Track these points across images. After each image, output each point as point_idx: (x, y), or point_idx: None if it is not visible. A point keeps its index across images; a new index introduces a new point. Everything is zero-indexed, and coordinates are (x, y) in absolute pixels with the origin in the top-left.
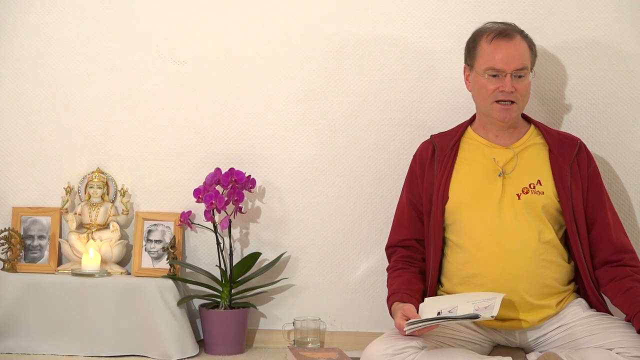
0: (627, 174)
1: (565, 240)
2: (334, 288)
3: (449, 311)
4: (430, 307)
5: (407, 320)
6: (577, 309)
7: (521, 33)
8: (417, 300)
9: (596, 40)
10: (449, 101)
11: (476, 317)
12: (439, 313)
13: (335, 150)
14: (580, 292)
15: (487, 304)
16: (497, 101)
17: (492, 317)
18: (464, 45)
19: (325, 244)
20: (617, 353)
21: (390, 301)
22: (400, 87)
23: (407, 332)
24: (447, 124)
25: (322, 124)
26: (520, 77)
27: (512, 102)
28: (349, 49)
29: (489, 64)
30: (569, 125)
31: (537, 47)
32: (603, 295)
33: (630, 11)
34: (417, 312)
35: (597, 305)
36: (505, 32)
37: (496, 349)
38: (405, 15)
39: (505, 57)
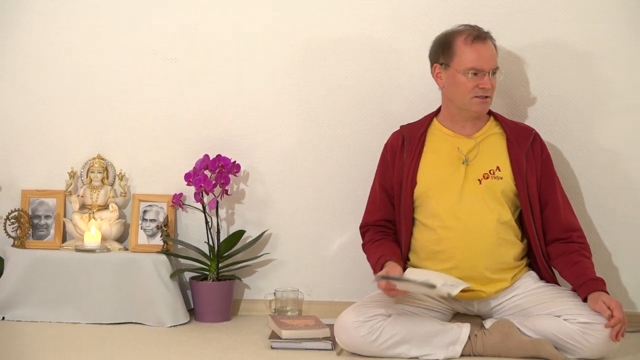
0: (576, 161)
1: (520, 220)
2: (311, 262)
3: (416, 279)
4: (409, 275)
5: (388, 273)
6: (529, 281)
7: (489, 35)
8: (402, 262)
9: (554, 40)
10: (415, 94)
11: (434, 286)
12: (409, 279)
13: (313, 139)
14: (532, 266)
15: (451, 284)
16: (476, 96)
17: (448, 294)
18: (428, 43)
19: (303, 223)
20: (564, 319)
21: (379, 263)
22: (371, 82)
23: (380, 283)
24: (414, 115)
25: (301, 115)
26: (494, 74)
27: (487, 96)
28: (326, 48)
29: (471, 64)
30: (526, 118)
31: (499, 46)
32: (553, 268)
33: (587, 13)
34: (401, 272)
35: (547, 277)
36: (481, 35)
37: (456, 316)
38: (375, 16)
39: (485, 58)
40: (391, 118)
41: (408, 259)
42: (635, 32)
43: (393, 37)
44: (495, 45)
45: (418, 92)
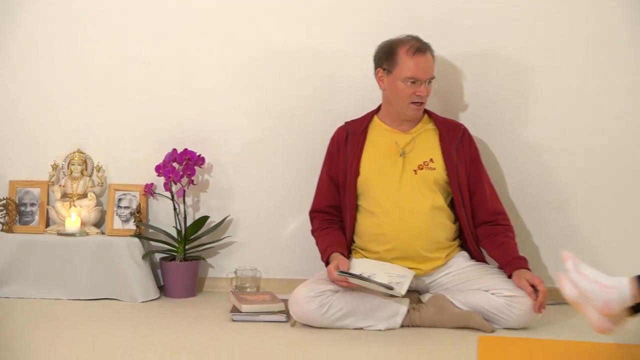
0: (501, 153)
1: (452, 206)
2: (268, 244)
3: (369, 276)
4: (357, 267)
5: (338, 269)
6: (461, 260)
7: (429, 47)
8: (345, 251)
9: (485, 48)
10: (355, 95)
11: (390, 289)
12: (361, 275)
13: (268, 134)
14: (463, 246)
15: (399, 280)
16: (412, 102)
17: (400, 295)
18: (368, 50)
19: (261, 209)
20: (492, 294)
21: (326, 253)
22: (318, 84)
23: (337, 278)
24: (355, 113)
25: (258, 113)
26: (430, 83)
27: (422, 102)
28: (279, 54)
29: (410, 74)
30: (457, 115)
31: (437, 54)
32: (481, 248)
33: (517, 23)
34: (348, 265)
35: (476, 256)
36: (421, 48)
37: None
38: (323, 27)
39: (423, 69)
40: (335, 115)
41: (353, 242)
42: (558, 41)
43: (337, 45)
44: (433, 56)
45: (358, 93)
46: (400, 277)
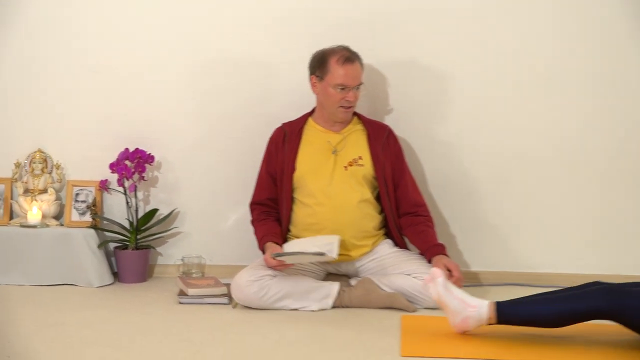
0: (422, 150)
1: (378, 199)
2: (212, 233)
3: (300, 250)
4: (288, 248)
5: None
6: (386, 247)
7: (358, 56)
8: (280, 240)
9: (410, 56)
10: (289, 99)
11: (322, 254)
12: (293, 252)
13: (212, 134)
14: (388, 234)
15: (329, 247)
16: (342, 106)
17: (333, 258)
18: (300, 58)
19: (205, 202)
20: (413, 277)
21: (262, 242)
22: (257, 88)
23: (274, 261)
24: (288, 115)
25: (202, 115)
26: (358, 89)
27: (351, 106)
28: (219, 62)
29: (340, 81)
30: (384, 117)
31: (365, 63)
32: (404, 237)
33: (438, 34)
34: (281, 250)
35: (399, 243)
36: (350, 58)
37: (328, 276)
38: (260, 36)
39: (351, 76)
40: (271, 117)
41: (289, 230)
42: (470, 52)
43: (274, 53)
44: (361, 64)
45: (291, 97)
46: (328, 244)
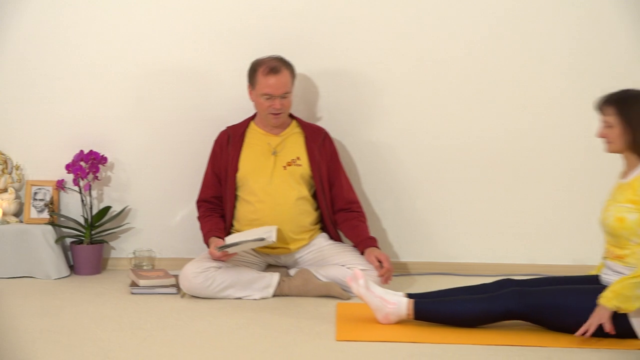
0: (356, 152)
1: (314, 196)
2: (161, 229)
3: (242, 239)
4: (230, 240)
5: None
6: (322, 240)
7: (286, 64)
8: (223, 235)
9: (341, 65)
10: (229, 104)
11: (262, 239)
12: (236, 242)
13: (160, 137)
14: (323, 229)
15: (268, 233)
16: (270, 113)
17: (272, 241)
18: (242, 66)
19: (155, 200)
20: (347, 267)
21: (207, 237)
22: (201, 94)
23: (218, 253)
24: (230, 120)
25: (151, 120)
26: (284, 97)
27: (279, 113)
28: (165, 71)
29: (265, 91)
30: (321, 120)
31: (301, 71)
32: (339, 231)
33: (358, 41)
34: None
35: (334, 237)
36: (275, 68)
37: (269, 267)
38: (201, 47)
39: (275, 86)
40: (215, 121)
41: (233, 225)
42: (394, 59)
43: (215, 63)
44: (291, 73)
45: (232, 103)
46: (267, 232)
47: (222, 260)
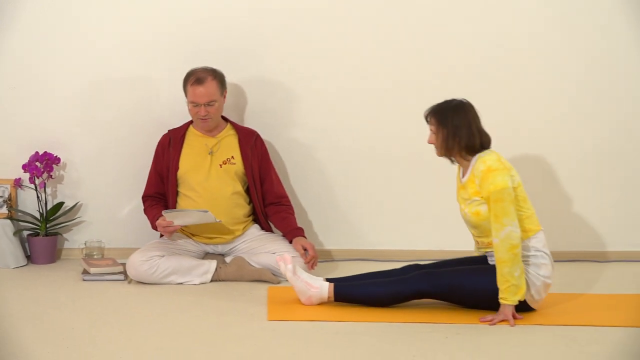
0: (284, 151)
1: (247, 191)
2: (110, 221)
3: (186, 210)
4: (169, 215)
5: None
6: (254, 230)
7: (213, 75)
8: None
9: (265, 72)
10: (173, 107)
11: (206, 211)
12: (181, 210)
13: (108, 139)
14: (256, 220)
15: (207, 212)
16: (199, 119)
17: (217, 220)
18: (179, 74)
19: (104, 195)
20: (278, 255)
21: (154, 221)
22: (143, 99)
23: (164, 222)
24: (171, 123)
25: (100, 122)
26: (210, 105)
27: (206, 119)
28: (112, 79)
29: (191, 99)
30: (253, 124)
31: (231, 79)
32: (270, 222)
33: (286, 51)
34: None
35: (266, 228)
36: (200, 79)
37: (207, 255)
38: (146, 56)
39: (200, 95)
40: (155, 124)
41: None
42: (321, 67)
43: (158, 70)
44: (219, 82)
45: (171, 107)
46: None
47: (168, 232)
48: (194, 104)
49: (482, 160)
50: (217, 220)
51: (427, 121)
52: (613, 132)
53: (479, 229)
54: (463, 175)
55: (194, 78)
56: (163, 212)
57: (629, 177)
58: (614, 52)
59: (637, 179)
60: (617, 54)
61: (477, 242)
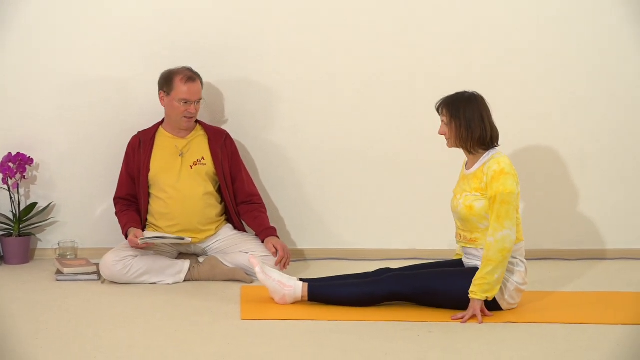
0: (254, 150)
1: (219, 191)
2: (83, 221)
3: (162, 235)
4: (149, 234)
5: (137, 237)
6: (227, 230)
7: (198, 75)
8: (140, 226)
9: (237, 74)
10: (142, 110)
11: (182, 239)
12: (157, 236)
13: (80, 140)
14: (228, 220)
15: (183, 238)
16: (185, 117)
17: (189, 241)
18: (150, 77)
19: (77, 196)
20: (250, 254)
21: (125, 228)
22: (116, 101)
23: (140, 244)
24: (146, 122)
25: (72, 124)
26: (198, 103)
27: (193, 117)
28: (86, 81)
29: (183, 96)
30: (222, 123)
31: (206, 80)
32: (243, 222)
33: (257, 52)
34: (142, 234)
35: (238, 227)
36: (192, 77)
37: (180, 255)
38: (116, 57)
39: (192, 92)
40: (128, 125)
41: (147, 219)
42: (292, 68)
43: (132, 71)
44: (202, 82)
45: (143, 109)
46: (180, 238)
47: (140, 248)
48: (185, 101)
49: (497, 161)
50: (190, 241)
51: (438, 112)
52: (613, 131)
53: (465, 223)
54: (468, 168)
55: (185, 76)
56: (139, 240)
57: (629, 177)
58: (614, 50)
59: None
60: (618, 53)
61: (458, 236)
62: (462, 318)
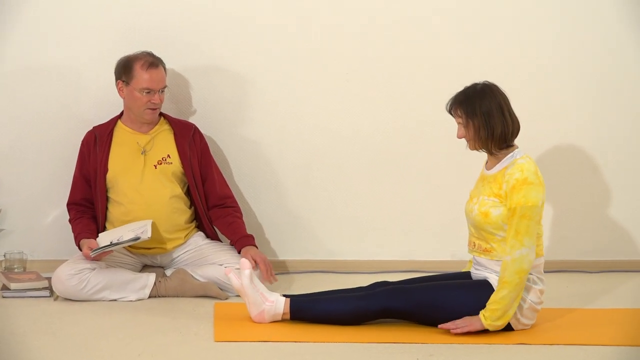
0: (227, 146)
1: (188, 193)
2: (32, 230)
3: (117, 239)
4: (104, 239)
5: (91, 250)
6: (198, 239)
7: (160, 61)
8: (95, 236)
9: (208, 62)
10: (97, 103)
11: (137, 239)
12: (111, 242)
13: (28, 137)
14: (199, 227)
15: (142, 230)
16: (148, 108)
17: (148, 237)
18: (106, 67)
19: (25, 202)
20: (225, 267)
21: (78, 239)
22: (67, 93)
23: (92, 257)
24: (103, 116)
25: (18, 119)
26: (162, 92)
27: (157, 107)
28: (32, 66)
29: (145, 85)
30: (190, 116)
31: (169, 68)
32: (215, 228)
33: (230, 36)
34: (97, 243)
35: (211, 235)
36: (154, 63)
37: (145, 267)
38: (67, 43)
39: (155, 80)
40: (82, 119)
41: (105, 227)
42: (272, 58)
43: (83, 60)
44: (165, 69)
45: (100, 101)
46: (141, 227)
47: (96, 260)
48: (147, 91)
49: (519, 168)
50: (149, 236)
51: (451, 114)
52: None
53: (480, 231)
54: (489, 168)
55: (146, 62)
56: (90, 253)
57: None
58: (626, 52)
59: None
60: (628, 54)
61: (472, 244)
62: (455, 328)
